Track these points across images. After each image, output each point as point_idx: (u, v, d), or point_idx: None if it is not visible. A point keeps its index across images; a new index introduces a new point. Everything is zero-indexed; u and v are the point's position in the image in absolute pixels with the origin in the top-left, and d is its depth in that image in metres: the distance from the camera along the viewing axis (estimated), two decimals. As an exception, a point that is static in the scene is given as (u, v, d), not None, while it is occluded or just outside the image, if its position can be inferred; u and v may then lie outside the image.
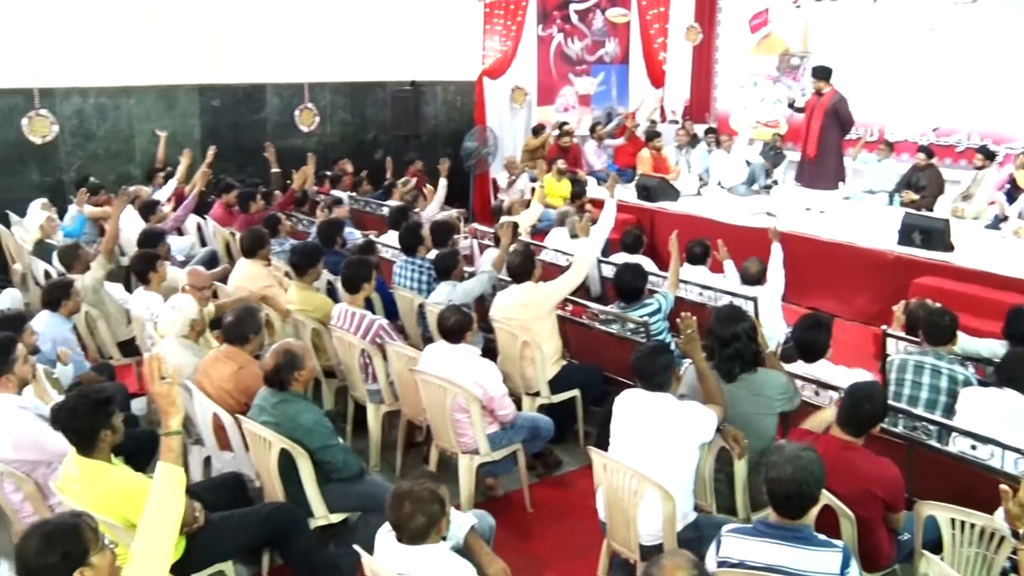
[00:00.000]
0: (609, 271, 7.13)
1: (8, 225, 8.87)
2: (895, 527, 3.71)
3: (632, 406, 4.05)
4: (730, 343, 4.29)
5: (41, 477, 3.98)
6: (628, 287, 5.88)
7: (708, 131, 12.87)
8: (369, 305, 5.99)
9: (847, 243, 8.58)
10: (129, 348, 6.35)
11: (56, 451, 3.85)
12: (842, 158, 10.29)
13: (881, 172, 11.04)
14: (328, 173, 10.61)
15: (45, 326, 5.41)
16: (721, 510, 4.20)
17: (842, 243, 8.60)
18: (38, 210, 8.35)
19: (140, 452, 4.74)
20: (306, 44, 11.08)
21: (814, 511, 3.13)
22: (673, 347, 5.31)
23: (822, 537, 3.03)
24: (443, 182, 9.34)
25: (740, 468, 4.10)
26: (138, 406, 6.03)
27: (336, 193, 9.81)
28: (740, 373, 4.30)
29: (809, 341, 4.69)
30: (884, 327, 5.65)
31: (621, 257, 7.23)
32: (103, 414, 3.63)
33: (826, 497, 3.25)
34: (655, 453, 3.85)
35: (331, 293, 6.58)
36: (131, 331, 6.37)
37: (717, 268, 7.10)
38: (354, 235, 8.07)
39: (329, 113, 11.79)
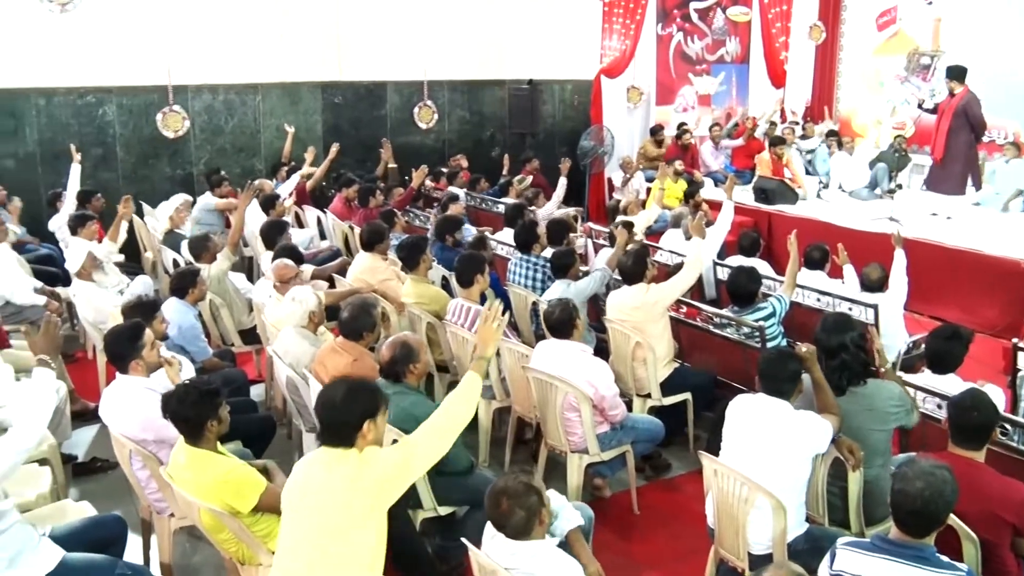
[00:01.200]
0: (724, 274, 7.03)
1: (142, 215, 9.27)
2: (1024, 554, 3.54)
3: (747, 411, 3.97)
4: (836, 354, 4.14)
5: (165, 456, 4.15)
6: (742, 290, 5.80)
7: (830, 133, 12.54)
8: (483, 301, 6.04)
9: (975, 251, 8.22)
10: (250, 336, 6.56)
11: (175, 436, 4.04)
12: (975, 162, 9.89)
13: (1011, 174, 10.52)
14: (444, 170, 10.75)
15: (172, 312, 5.63)
16: (834, 523, 4.08)
17: (969, 250, 8.25)
18: (178, 203, 8.69)
19: (258, 437, 4.94)
20: (426, 42, 11.28)
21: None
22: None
23: (945, 559, 2.89)
24: (563, 181, 9.34)
25: (855, 481, 3.98)
26: (257, 392, 6.24)
27: (453, 189, 9.93)
28: (848, 386, 4.16)
29: (944, 352, 4.53)
30: (1015, 340, 5.42)
31: (737, 260, 7.12)
32: (210, 405, 3.78)
33: (949, 518, 3.11)
34: (767, 461, 3.78)
35: (445, 288, 6.67)
36: (252, 320, 6.58)
37: (836, 273, 6.91)
38: (469, 231, 8.15)
39: (447, 110, 11.96)
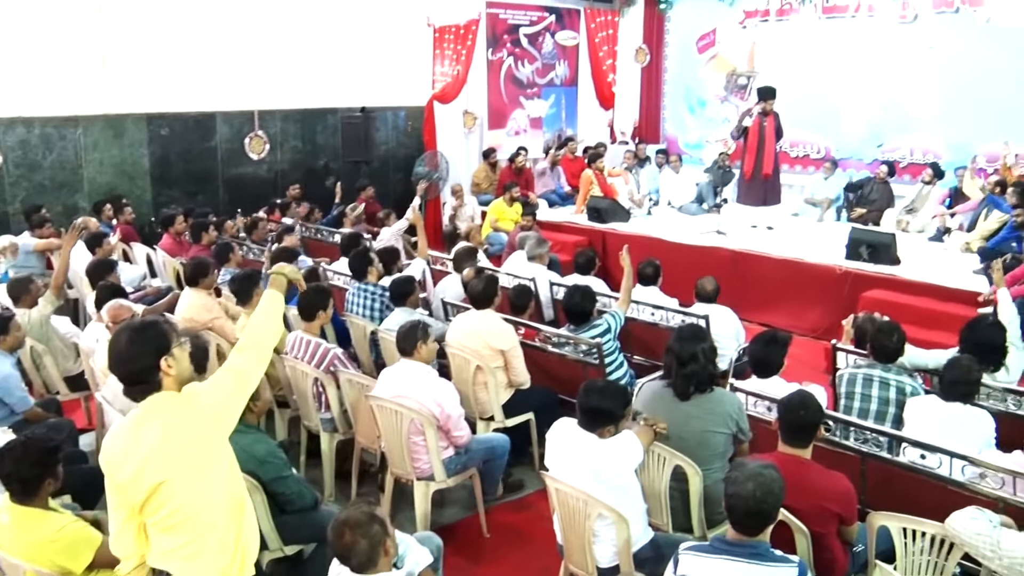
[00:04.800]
0: (561, 294, 7.14)
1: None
2: (849, 539, 3.73)
3: (563, 438, 4.01)
4: (688, 363, 4.27)
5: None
6: (577, 309, 5.90)
7: (659, 152, 12.97)
8: (323, 335, 5.93)
9: (796, 259, 8.68)
10: (77, 382, 6.23)
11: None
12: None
13: (828, 189, 11.36)
14: (278, 201, 10.55)
15: (-13, 362, 5.29)
16: (677, 528, 4.19)
17: (792, 259, 8.70)
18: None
19: (88, 489, 4.65)
20: (255, 72, 11.02)
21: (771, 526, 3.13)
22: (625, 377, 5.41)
23: (778, 553, 3.03)
24: (416, 200, 9.25)
25: (695, 485, 4.09)
26: (87, 441, 5.91)
27: (287, 221, 9.75)
28: (695, 392, 4.30)
29: (764, 357, 4.73)
30: (834, 341, 5.71)
31: (573, 279, 7.25)
32: (51, 463, 3.59)
33: (780, 513, 3.25)
34: (590, 483, 3.81)
35: (284, 321, 6.51)
36: (79, 365, 6.25)
37: (668, 289, 7.09)
38: (306, 263, 8.00)
39: (280, 140, 11.72)
